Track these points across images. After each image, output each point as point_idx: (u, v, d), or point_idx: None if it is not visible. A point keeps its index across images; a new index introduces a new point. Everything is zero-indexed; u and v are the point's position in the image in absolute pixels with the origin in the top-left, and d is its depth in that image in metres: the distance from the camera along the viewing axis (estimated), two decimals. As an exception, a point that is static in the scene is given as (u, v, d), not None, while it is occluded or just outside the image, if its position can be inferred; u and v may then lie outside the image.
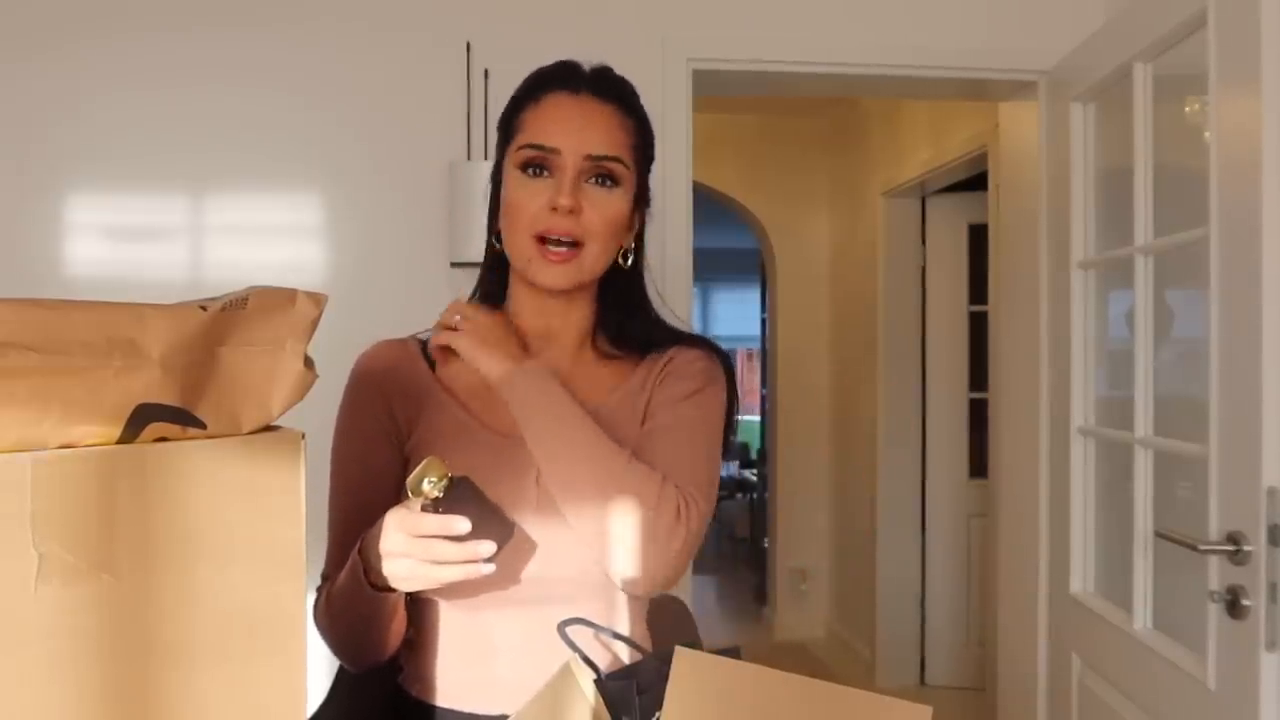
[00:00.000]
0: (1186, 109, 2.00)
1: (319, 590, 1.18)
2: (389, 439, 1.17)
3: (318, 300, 0.79)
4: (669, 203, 2.45)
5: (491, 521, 0.99)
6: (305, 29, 2.39)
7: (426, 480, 0.95)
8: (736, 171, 5.09)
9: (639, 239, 1.23)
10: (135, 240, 2.38)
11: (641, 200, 1.21)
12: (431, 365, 1.20)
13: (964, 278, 4.41)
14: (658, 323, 1.24)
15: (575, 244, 1.12)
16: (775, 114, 5.07)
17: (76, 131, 2.32)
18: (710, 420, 1.19)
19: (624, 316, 1.21)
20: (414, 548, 0.98)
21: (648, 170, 1.21)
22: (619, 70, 1.23)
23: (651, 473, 1.09)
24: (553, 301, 1.17)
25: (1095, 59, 2.21)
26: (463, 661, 1.14)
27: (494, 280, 1.22)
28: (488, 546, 0.97)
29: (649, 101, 1.19)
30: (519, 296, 1.20)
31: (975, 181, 3.98)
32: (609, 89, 1.16)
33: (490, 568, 0.98)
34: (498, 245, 1.19)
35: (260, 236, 2.41)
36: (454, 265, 2.33)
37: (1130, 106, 2.01)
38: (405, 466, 1.16)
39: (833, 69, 2.54)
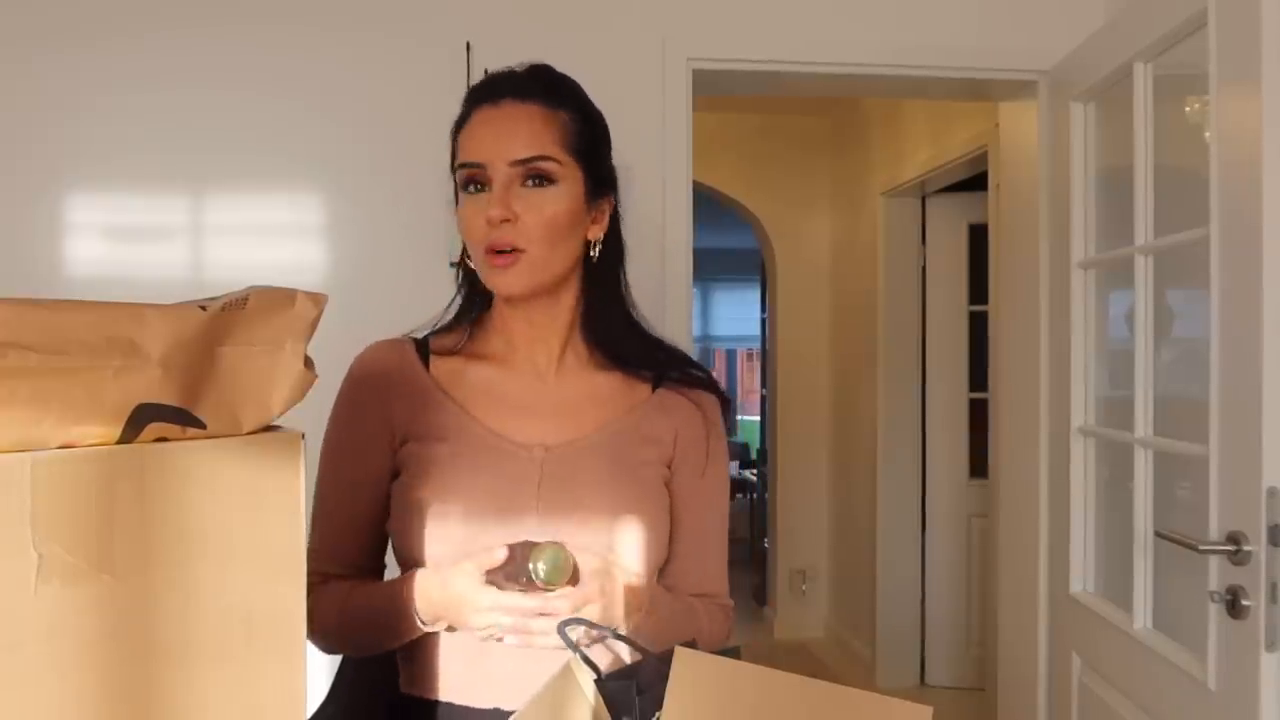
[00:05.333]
0: (1186, 109, 2.00)
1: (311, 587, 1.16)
2: (385, 442, 1.19)
3: (317, 300, 0.79)
4: (669, 203, 2.44)
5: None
6: (306, 30, 2.39)
7: (545, 570, 1.01)
8: (736, 171, 5.09)
9: (612, 231, 1.22)
10: (135, 240, 2.38)
11: (599, 189, 1.20)
12: (426, 365, 1.21)
13: (964, 278, 4.41)
14: (640, 331, 1.25)
15: (517, 250, 1.12)
16: (775, 114, 5.07)
17: (77, 132, 2.32)
18: (725, 490, 1.28)
19: (603, 312, 1.21)
20: (507, 616, 1.03)
21: (601, 157, 1.21)
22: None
23: (714, 612, 1.26)
24: (524, 304, 1.19)
25: (1095, 59, 2.21)
26: (463, 658, 1.15)
27: (469, 295, 1.25)
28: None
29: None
30: (499, 304, 1.22)
31: (975, 181, 3.98)
32: (530, 88, 1.16)
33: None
34: (465, 261, 1.21)
35: (260, 237, 2.41)
36: (454, 265, 2.33)
37: (1130, 106, 2.01)
38: (397, 472, 1.19)
39: (833, 69, 2.54)
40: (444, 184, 2.37)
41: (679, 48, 2.46)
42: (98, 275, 2.35)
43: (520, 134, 1.13)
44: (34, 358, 0.64)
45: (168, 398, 0.70)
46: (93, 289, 2.28)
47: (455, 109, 2.47)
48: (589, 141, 1.19)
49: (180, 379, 0.70)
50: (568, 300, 1.20)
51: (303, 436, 0.77)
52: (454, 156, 1.18)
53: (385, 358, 1.21)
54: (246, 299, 0.75)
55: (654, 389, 1.23)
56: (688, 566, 1.24)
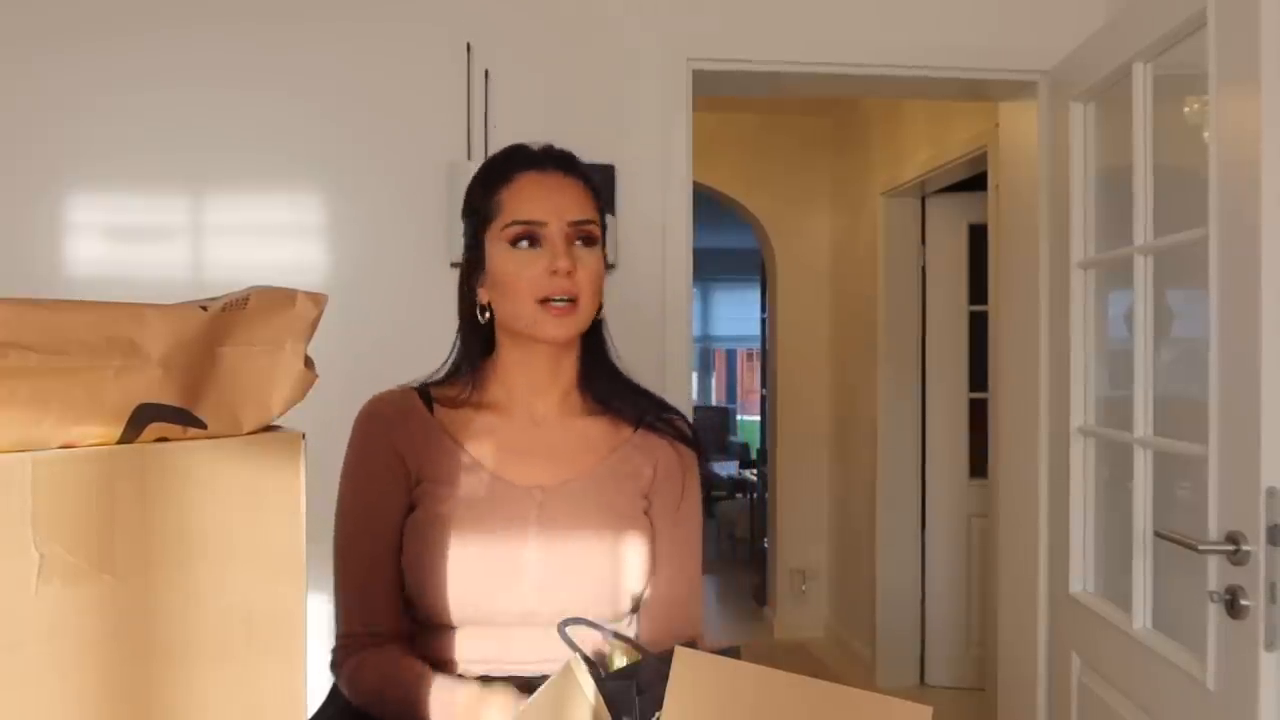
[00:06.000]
0: (1186, 109, 2.00)
1: (343, 650, 1.25)
2: (401, 476, 1.26)
3: (318, 300, 0.79)
4: (669, 203, 2.45)
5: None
6: (306, 30, 2.39)
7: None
8: (736, 171, 5.09)
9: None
10: (135, 240, 2.38)
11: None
12: (430, 410, 1.29)
13: (964, 278, 4.41)
14: (624, 380, 1.35)
15: (573, 300, 1.23)
16: (775, 114, 5.07)
17: (77, 132, 2.32)
18: (698, 521, 1.36)
19: (596, 365, 1.33)
20: None
21: (605, 233, 1.33)
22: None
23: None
24: (543, 354, 1.28)
25: (1095, 59, 2.21)
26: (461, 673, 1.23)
27: (475, 342, 1.32)
28: None
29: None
30: (509, 352, 1.30)
31: (975, 181, 3.98)
32: (568, 164, 1.30)
33: None
34: (481, 317, 1.29)
35: (261, 237, 2.41)
36: (454, 265, 2.33)
37: (1130, 106, 2.01)
38: (412, 506, 1.26)
39: (833, 69, 2.54)
40: (444, 183, 2.38)
41: (679, 48, 2.46)
42: (98, 275, 2.35)
43: (573, 199, 1.26)
44: (34, 358, 0.64)
45: (168, 398, 0.70)
46: (93, 289, 2.28)
47: (455, 109, 2.48)
48: (604, 213, 1.33)
49: (180, 379, 0.70)
50: (572, 355, 1.31)
51: (303, 436, 0.77)
52: (492, 213, 1.26)
53: (391, 403, 1.29)
54: (247, 299, 0.75)
55: (635, 429, 1.34)
56: (663, 594, 1.30)
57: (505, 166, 1.29)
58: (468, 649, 1.22)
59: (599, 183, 1.35)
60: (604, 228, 1.32)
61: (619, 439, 1.33)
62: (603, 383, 1.34)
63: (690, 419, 1.42)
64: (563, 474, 1.28)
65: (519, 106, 2.38)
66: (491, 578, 1.21)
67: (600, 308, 1.31)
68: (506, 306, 1.26)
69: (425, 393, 1.31)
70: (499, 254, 1.25)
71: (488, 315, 1.29)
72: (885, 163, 4.48)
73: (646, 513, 1.31)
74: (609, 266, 1.34)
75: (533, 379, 1.30)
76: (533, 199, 1.25)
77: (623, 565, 1.25)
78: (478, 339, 1.32)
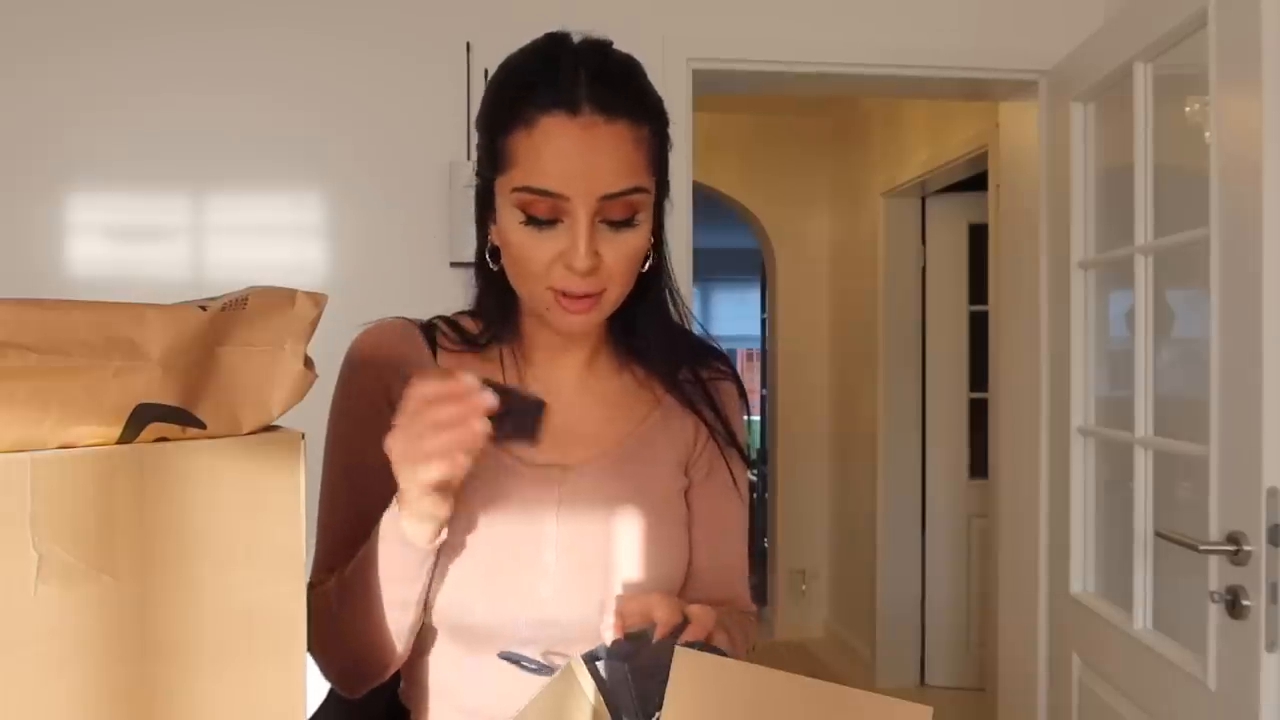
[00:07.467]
0: (1186, 109, 2.00)
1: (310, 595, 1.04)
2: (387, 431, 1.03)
3: (317, 300, 0.79)
4: (669, 203, 2.44)
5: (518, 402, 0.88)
6: (305, 30, 2.39)
7: None
8: (736, 171, 5.09)
9: (657, 232, 1.08)
10: (135, 240, 2.38)
11: (661, 197, 1.07)
12: (434, 351, 1.07)
13: (964, 278, 4.42)
14: (674, 329, 1.13)
15: (596, 293, 0.98)
16: (775, 114, 5.07)
17: (79, 134, 2.33)
18: (744, 493, 1.16)
19: (639, 322, 1.10)
20: (414, 420, 0.87)
21: (666, 158, 1.07)
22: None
23: (744, 618, 1.12)
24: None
25: (1095, 59, 2.21)
26: (460, 702, 1.07)
27: (493, 300, 1.07)
28: (488, 398, 0.85)
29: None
30: (530, 324, 1.08)
31: (975, 181, 3.98)
32: (614, 100, 0.98)
33: (482, 431, 0.86)
34: (492, 263, 1.03)
35: (261, 237, 2.42)
36: (454, 265, 2.33)
37: (1130, 106, 2.01)
38: None
39: (833, 69, 2.54)
40: (444, 183, 2.38)
41: (679, 48, 2.46)
42: (98, 275, 2.35)
43: (612, 162, 0.96)
44: (34, 358, 0.64)
45: (168, 398, 0.70)
46: (93, 289, 2.28)
47: (455, 109, 2.48)
48: (665, 152, 1.06)
49: (180, 379, 0.70)
50: (608, 319, 1.07)
51: (303, 436, 0.77)
52: (502, 159, 0.97)
53: (387, 337, 1.07)
54: (246, 299, 0.75)
55: (668, 389, 1.12)
56: (705, 565, 1.11)
57: (525, 94, 0.97)
58: (458, 674, 1.05)
59: (657, 107, 1.04)
60: (663, 166, 1.04)
61: (649, 404, 1.11)
62: (649, 338, 1.09)
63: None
64: (585, 451, 1.06)
65: (519, 106, 2.38)
66: (501, 581, 1.01)
67: (650, 257, 1.05)
68: (518, 284, 1.00)
69: (431, 331, 1.07)
70: (506, 216, 0.97)
71: (499, 265, 1.01)
72: (885, 163, 4.48)
73: (686, 492, 1.11)
74: (654, 217, 1.04)
75: (554, 339, 1.07)
76: (554, 160, 0.94)
77: (663, 564, 1.05)
78: (497, 298, 1.06)
